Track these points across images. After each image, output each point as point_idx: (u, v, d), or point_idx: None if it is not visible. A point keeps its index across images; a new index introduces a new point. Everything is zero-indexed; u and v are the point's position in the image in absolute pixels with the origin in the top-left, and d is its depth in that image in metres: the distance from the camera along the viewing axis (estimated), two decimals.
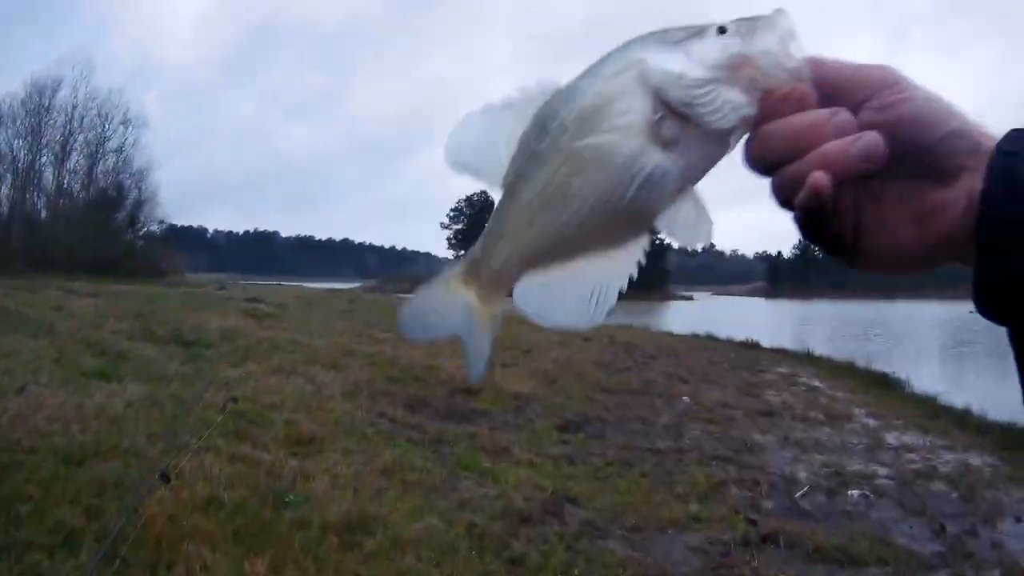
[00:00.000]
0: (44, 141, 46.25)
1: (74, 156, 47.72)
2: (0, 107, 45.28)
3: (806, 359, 20.37)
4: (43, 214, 46.27)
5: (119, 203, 48.20)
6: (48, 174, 47.19)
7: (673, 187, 0.72)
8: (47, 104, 45.99)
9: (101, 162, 48.44)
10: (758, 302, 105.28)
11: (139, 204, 49.78)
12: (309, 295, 31.36)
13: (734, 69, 0.71)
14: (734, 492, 7.08)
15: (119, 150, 48.62)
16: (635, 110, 0.72)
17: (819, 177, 0.65)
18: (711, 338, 26.31)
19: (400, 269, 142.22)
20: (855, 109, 0.69)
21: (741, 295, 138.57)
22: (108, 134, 48.46)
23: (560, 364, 13.69)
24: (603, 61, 0.75)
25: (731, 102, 0.71)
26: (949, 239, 0.68)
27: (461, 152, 0.82)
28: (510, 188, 0.77)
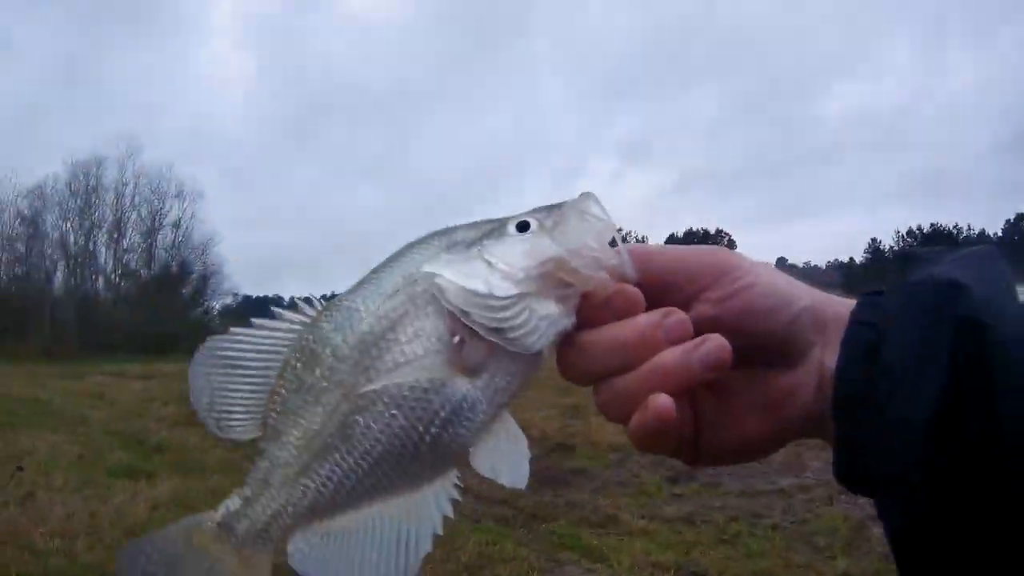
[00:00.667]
0: (95, 220, 46.65)
1: (129, 234, 48.12)
2: (44, 189, 45.54)
3: None
4: (101, 295, 46.60)
5: (183, 279, 48.55)
6: (103, 254, 47.58)
7: (483, 418, 0.63)
8: (94, 184, 46.36)
9: (159, 238, 48.66)
10: None
11: (204, 278, 49.99)
12: None
13: (545, 278, 0.63)
14: (876, 533, 5.90)
15: (176, 224, 48.82)
16: (429, 334, 0.63)
17: (662, 403, 0.59)
18: None
19: None
20: (690, 302, 0.64)
21: None
22: (164, 209, 48.68)
23: None
24: (381, 273, 0.66)
25: (547, 318, 0.62)
26: (801, 423, 0.64)
27: (201, 396, 0.69)
28: (273, 428, 0.67)
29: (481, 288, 0.62)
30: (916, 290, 0.58)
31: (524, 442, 0.64)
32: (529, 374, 0.64)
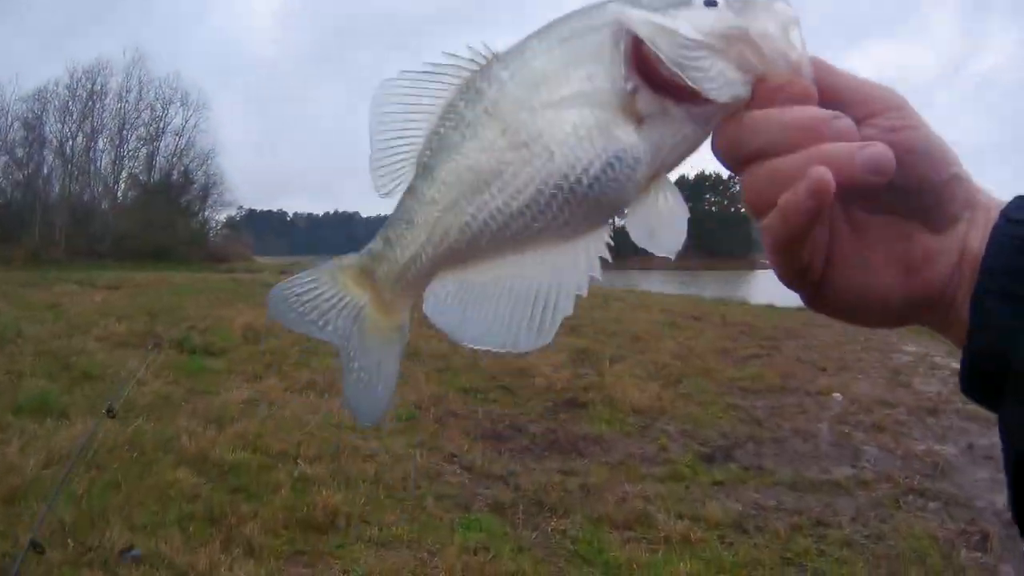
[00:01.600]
0: (95, 126, 45.95)
1: (130, 140, 47.43)
2: (45, 93, 44.77)
3: (927, 332, 17.50)
4: (102, 203, 45.94)
5: (184, 188, 48.16)
6: (102, 159, 47.07)
7: (643, 173, 0.60)
8: (98, 89, 45.61)
9: (161, 145, 47.98)
10: None
11: (205, 188, 49.47)
12: None
13: (730, 41, 0.59)
14: (965, 555, 4.77)
15: (179, 133, 48.09)
16: (602, 76, 0.60)
17: (822, 172, 0.54)
18: None
19: None
20: (857, 124, 0.59)
21: None
22: (167, 116, 47.93)
23: (680, 356, 11.15)
24: (560, 21, 0.63)
25: (725, 75, 0.59)
26: (931, 295, 0.62)
27: (380, 129, 0.67)
28: (425, 166, 0.64)
29: (669, 24, 0.59)
30: None
31: (685, 209, 0.61)
32: (694, 141, 0.61)
